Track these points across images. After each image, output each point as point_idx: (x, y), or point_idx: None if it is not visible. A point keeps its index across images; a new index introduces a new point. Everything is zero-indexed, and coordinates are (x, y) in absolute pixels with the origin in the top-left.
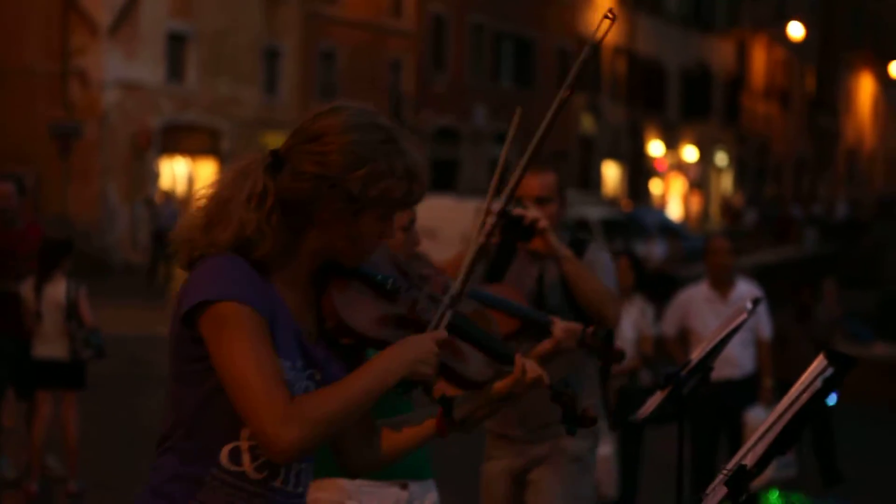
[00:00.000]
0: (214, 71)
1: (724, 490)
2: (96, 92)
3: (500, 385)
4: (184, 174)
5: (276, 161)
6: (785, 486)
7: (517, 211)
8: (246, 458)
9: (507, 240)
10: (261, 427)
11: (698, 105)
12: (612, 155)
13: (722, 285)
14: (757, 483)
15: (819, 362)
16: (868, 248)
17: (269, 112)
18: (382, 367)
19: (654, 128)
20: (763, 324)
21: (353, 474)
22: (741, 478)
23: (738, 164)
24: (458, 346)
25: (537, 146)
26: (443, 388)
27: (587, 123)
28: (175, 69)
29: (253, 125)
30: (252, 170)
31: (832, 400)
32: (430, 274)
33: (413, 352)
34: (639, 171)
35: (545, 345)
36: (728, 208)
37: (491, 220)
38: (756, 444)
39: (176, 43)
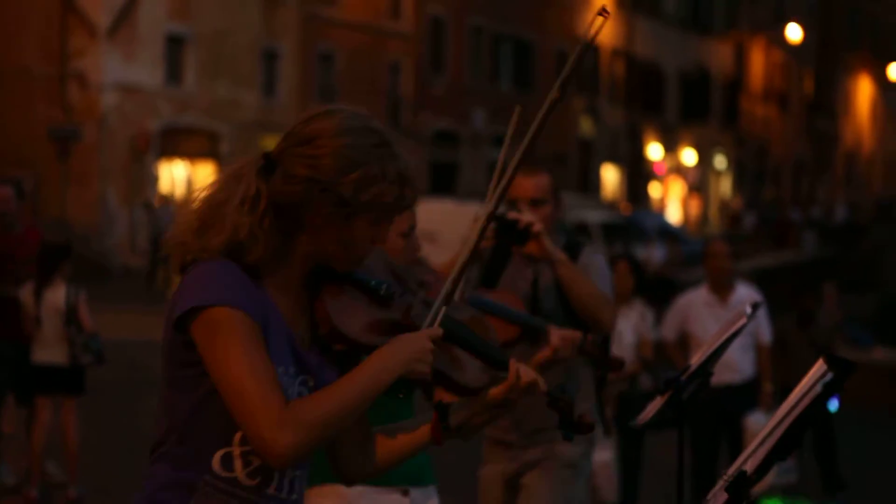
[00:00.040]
0: (213, 73)
1: (724, 496)
2: (95, 94)
3: (495, 391)
4: (183, 177)
5: (269, 164)
6: (786, 492)
7: (511, 215)
8: (238, 463)
9: (501, 243)
10: (257, 432)
11: (697, 108)
12: (611, 158)
13: (721, 289)
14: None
15: (819, 367)
16: (867, 251)
17: (267, 114)
18: (377, 367)
19: (653, 130)
20: (763, 328)
21: (349, 481)
22: (742, 483)
23: (737, 167)
24: (454, 353)
25: (529, 145)
26: (440, 395)
27: (586, 126)
28: (174, 71)
29: (252, 128)
30: (245, 173)
31: (834, 406)
32: (432, 280)
33: (408, 350)
34: (638, 174)
35: (543, 353)
36: (728, 212)
37: (483, 223)
38: (756, 449)
39: (174, 45)
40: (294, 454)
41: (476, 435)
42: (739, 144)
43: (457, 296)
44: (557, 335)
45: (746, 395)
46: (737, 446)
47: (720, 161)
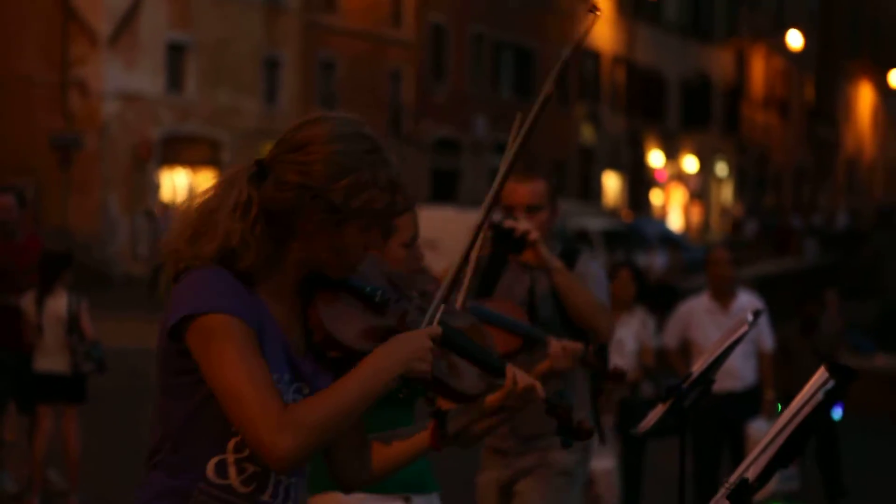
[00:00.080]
0: (214, 81)
1: (726, 503)
2: (96, 102)
3: (492, 398)
4: (184, 185)
5: (261, 171)
6: (788, 499)
7: (508, 223)
8: (232, 471)
9: (498, 251)
10: (257, 436)
11: (698, 115)
12: (612, 165)
13: (723, 297)
14: (760, 496)
15: (820, 375)
16: (868, 258)
17: (269, 122)
18: (376, 367)
19: (654, 138)
20: (764, 335)
21: (346, 488)
22: (743, 491)
23: (738, 174)
24: (451, 360)
25: (524, 141)
26: (439, 402)
27: (587, 134)
28: (175, 79)
29: (253, 135)
30: (238, 180)
31: (838, 414)
32: (434, 290)
33: (407, 349)
34: (639, 181)
35: (543, 364)
36: (730, 217)
37: (476, 230)
38: (758, 456)
39: (176, 53)
40: (295, 457)
41: (477, 443)
42: (740, 151)
43: (458, 304)
44: (558, 346)
45: (748, 403)
46: (739, 453)
47: (721, 168)
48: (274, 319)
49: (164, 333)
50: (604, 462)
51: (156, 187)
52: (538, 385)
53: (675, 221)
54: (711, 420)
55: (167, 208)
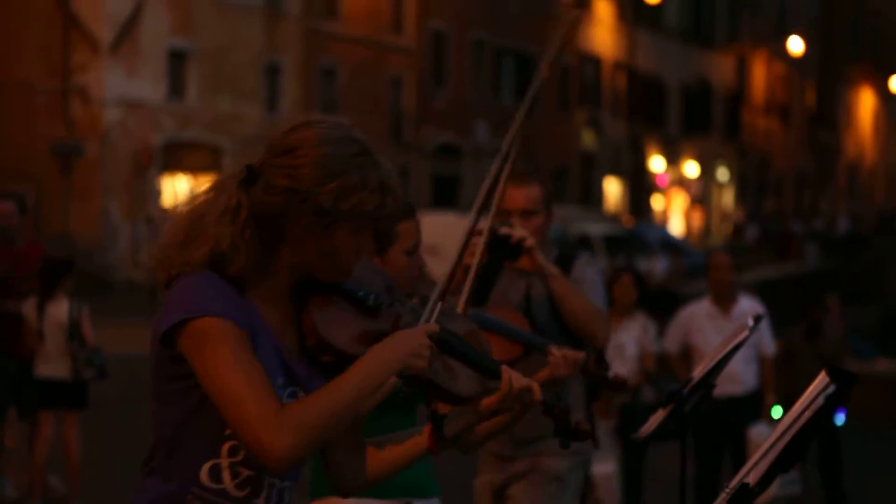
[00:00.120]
0: (215, 88)
1: None
2: (97, 109)
3: (488, 401)
4: (185, 192)
5: (251, 176)
6: None
7: (504, 230)
8: (226, 475)
9: (493, 258)
10: (254, 437)
11: (699, 120)
12: (613, 171)
13: (724, 301)
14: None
15: (821, 379)
16: (869, 262)
17: (270, 129)
18: (374, 364)
19: (655, 143)
20: (765, 340)
21: (344, 492)
22: (744, 496)
23: (739, 180)
24: (445, 362)
25: (520, 125)
26: (438, 406)
27: (588, 139)
28: (176, 86)
29: (254, 142)
30: (228, 185)
31: (841, 420)
32: (456, 313)
33: (404, 345)
34: (640, 186)
35: (543, 372)
36: (731, 220)
37: (467, 235)
38: (759, 461)
39: (177, 60)
40: (293, 456)
41: (477, 448)
42: (741, 157)
43: (459, 310)
44: (559, 354)
45: (749, 407)
46: (740, 458)
47: (722, 173)
48: (266, 324)
49: (156, 339)
50: (605, 466)
51: (157, 194)
52: (535, 386)
53: (676, 226)
54: (713, 424)
55: (168, 215)
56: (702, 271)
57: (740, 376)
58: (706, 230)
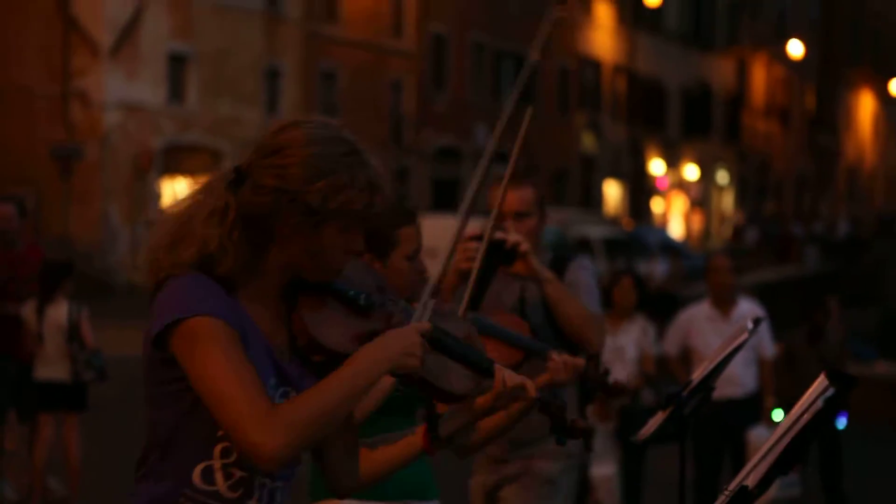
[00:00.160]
0: (215, 91)
1: None
2: (97, 113)
3: (483, 399)
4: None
5: (239, 177)
6: None
7: (499, 235)
8: (219, 476)
9: (487, 262)
10: (245, 437)
11: (699, 123)
12: (614, 174)
13: (724, 304)
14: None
15: (820, 382)
16: (869, 265)
17: None
18: (366, 362)
19: (655, 146)
20: (765, 342)
21: (339, 493)
22: (743, 498)
23: (739, 182)
24: (437, 360)
25: (509, 119)
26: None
27: (588, 142)
28: (176, 90)
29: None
30: (215, 186)
31: (842, 423)
32: (437, 301)
33: (396, 344)
34: (640, 189)
35: (543, 377)
36: (731, 221)
37: (455, 237)
38: (758, 463)
39: (177, 63)
40: (284, 456)
41: (476, 452)
42: (741, 159)
43: (459, 315)
44: (559, 360)
45: (749, 410)
46: (740, 460)
47: (722, 176)
48: (256, 325)
49: (148, 343)
50: (604, 469)
51: (157, 197)
52: (528, 383)
53: (676, 229)
54: (712, 427)
55: (157, 217)
56: (701, 274)
57: (740, 379)
58: (706, 233)
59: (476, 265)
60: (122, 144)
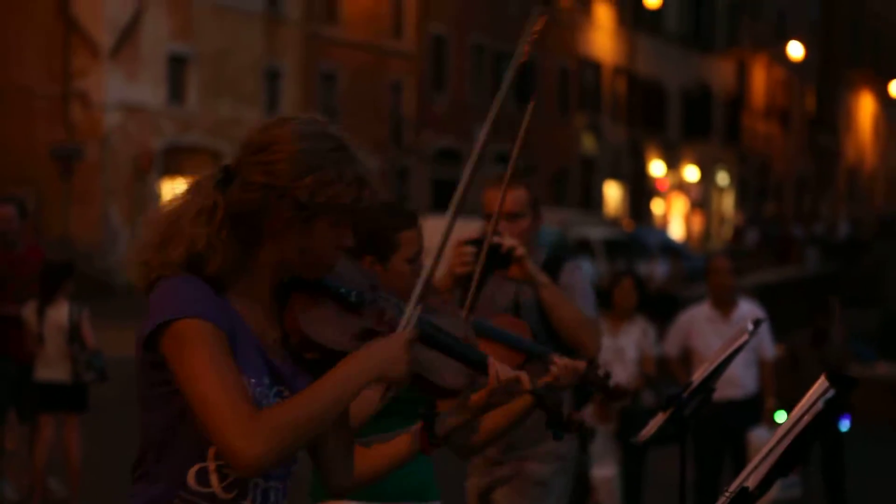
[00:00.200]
0: (215, 92)
1: None
2: (98, 114)
3: (478, 396)
4: None
5: (227, 175)
6: None
7: (494, 239)
8: (214, 478)
9: (483, 266)
10: (225, 442)
11: (699, 125)
12: (614, 175)
13: (724, 305)
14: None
15: (821, 384)
16: (869, 266)
17: None
18: (348, 373)
19: (655, 148)
20: (765, 344)
21: (334, 493)
22: (744, 499)
23: (740, 184)
24: (430, 355)
25: (497, 115)
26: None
27: (588, 144)
28: (176, 91)
29: None
30: (203, 186)
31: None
32: (438, 304)
33: (380, 354)
34: (640, 191)
35: (544, 380)
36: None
37: (445, 235)
38: (759, 465)
39: (177, 64)
40: (263, 462)
41: (476, 453)
42: (741, 161)
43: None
44: (561, 365)
45: (749, 411)
46: (740, 461)
47: (722, 177)
48: (246, 325)
49: (139, 345)
50: (605, 470)
51: (157, 198)
52: (523, 376)
53: (676, 230)
54: (713, 428)
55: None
56: (702, 275)
57: (740, 380)
58: (706, 234)
59: (478, 269)
60: (122, 145)
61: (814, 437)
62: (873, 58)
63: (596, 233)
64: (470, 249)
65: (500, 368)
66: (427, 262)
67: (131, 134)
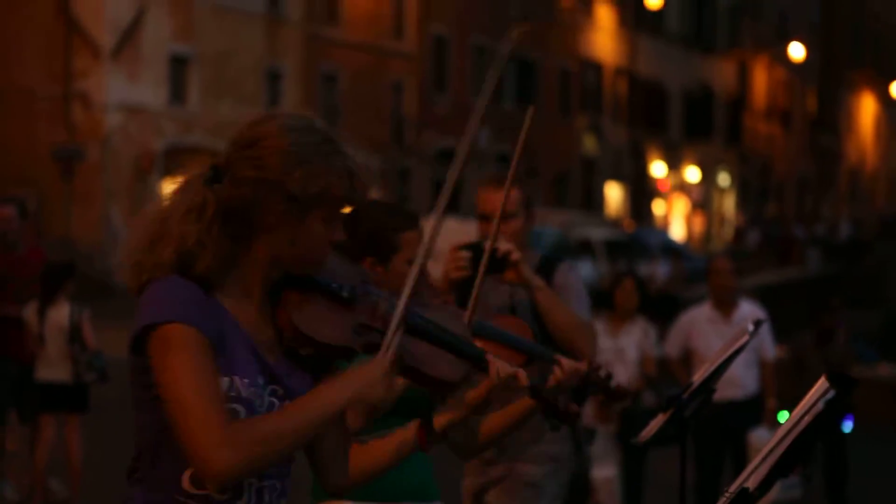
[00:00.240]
0: (217, 93)
1: None
2: (99, 114)
3: (476, 392)
4: None
5: (216, 173)
6: None
7: (489, 243)
8: None
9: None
10: (194, 449)
11: (700, 125)
12: (615, 176)
13: (725, 306)
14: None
15: (821, 385)
16: (871, 267)
17: None
18: (326, 396)
19: (657, 148)
20: (766, 344)
21: (331, 492)
22: (744, 500)
23: (741, 185)
24: (425, 349)
25: (469, 150)
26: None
27: (589, 144)
28: (177, 91)
29: None
30: (193, 184)
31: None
32: (439, 304)
33: (360, 377)
34: (641, 191)
35: (546, 382)
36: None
37: (432, 231)
38: (759, 465)
39: (178, 65)
40: (230, 474)
41: (478, 453)
42: (743, 162)
43: (465, 320)
44: (566, 366)
45: (750, 411)
46: (741, 462)
47: (724, 178)
48: (238, 324)
49: (129, 348)
50: (605, 471)
51: (158, 199)
52: (521, 372)
53: (678, 231)
54: (713, 429)
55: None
56: (703, 276)
57: (741, 381)
58: (707, 235)
59: (480, 273)
60: (123, 146)
61: (815, 438)
62: (874, 59)
63: (597, 234)
64: (465, 254)
65: (499, 365)
66: (439, 263)
67: (132, 135)
